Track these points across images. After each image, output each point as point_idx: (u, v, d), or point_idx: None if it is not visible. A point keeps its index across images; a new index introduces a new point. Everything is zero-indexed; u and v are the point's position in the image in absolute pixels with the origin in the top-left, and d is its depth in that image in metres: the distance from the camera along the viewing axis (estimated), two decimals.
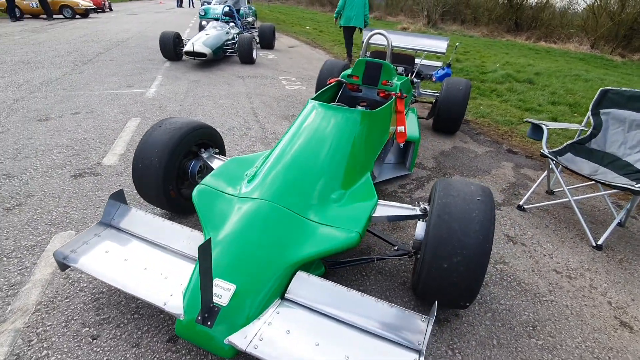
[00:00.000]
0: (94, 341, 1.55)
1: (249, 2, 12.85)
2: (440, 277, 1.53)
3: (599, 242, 2.43)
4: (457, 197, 1.61)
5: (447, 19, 22.94)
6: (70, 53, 7.39)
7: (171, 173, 2.08)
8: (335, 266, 1.84)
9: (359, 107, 3.19)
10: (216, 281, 1.43)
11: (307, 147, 2.03)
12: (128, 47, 8.49)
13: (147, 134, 2.11)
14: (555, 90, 6.69)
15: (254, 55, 7.33)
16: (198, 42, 6.56)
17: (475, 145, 4.11)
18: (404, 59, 4.00)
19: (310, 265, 1.71)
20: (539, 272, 2.17)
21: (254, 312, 1.40)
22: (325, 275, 1.93)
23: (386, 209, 1.88)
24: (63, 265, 1.62)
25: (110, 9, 18.77)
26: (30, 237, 2.13)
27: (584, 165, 2.71)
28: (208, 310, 1.35)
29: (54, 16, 13.53)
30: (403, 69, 3.98)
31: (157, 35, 7.36)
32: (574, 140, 2.90)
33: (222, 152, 2.48)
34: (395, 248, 1.93)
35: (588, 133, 2.86)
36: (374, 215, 1.81)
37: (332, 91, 3.25)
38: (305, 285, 1.50)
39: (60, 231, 2.19)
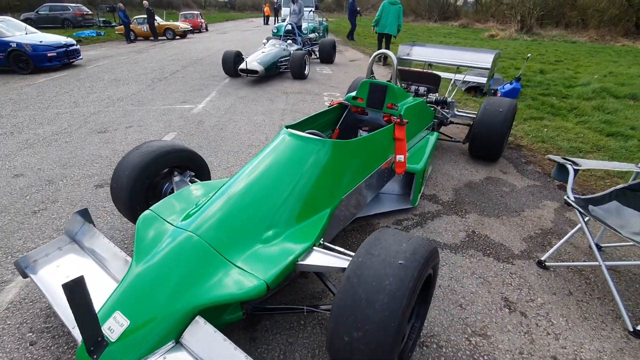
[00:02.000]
0: (30, 347, 1.70)
1: (320, 17, 13.21)
2: (342, 352, 1.30)
3: (639, 327, 1.81)
4: (377, 257, 1.36)
5: (548, 23, 20.41)
6: (155, 71, 8.52)
7: (139, 193, 2.19)
8: (258, 312, 1.71)
9: (361, 132, 2.98)
10: (116, 314, 1.45)
11: (258, 178, 1.94)
12: (202, 64, 9.45)
13: (125, 156, 2.26)
14: None
15: (306, 71, 7.49)
16: (252, 60, 6.96)
17: (516, 178, 3.49)
18: (427, 77, 3.62)
19: (225, 309, 1.62)
20: (529, 357, 1.69)
21: (142, 353, 1.37)
22: (249, 320, 1.82)
23: (321, 256, 1.67)
24: (24, 274, 1.81)
25: (206, 29, 21.21)
26: (36, 239, 2.47)
27: (635, 220, 2.06)
28: (95, 344, 1.36)
29: (159, 38, 15.83)
30: (425, 89, 3.59)
31: None
32: (626, 184, 2.24)
33: (203, 175, 2.53)
34: None
35: None
36: (301, 262, 1.63)
37: (335, 114, 3.10)
38: (198, 333, 1.42)
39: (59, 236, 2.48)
